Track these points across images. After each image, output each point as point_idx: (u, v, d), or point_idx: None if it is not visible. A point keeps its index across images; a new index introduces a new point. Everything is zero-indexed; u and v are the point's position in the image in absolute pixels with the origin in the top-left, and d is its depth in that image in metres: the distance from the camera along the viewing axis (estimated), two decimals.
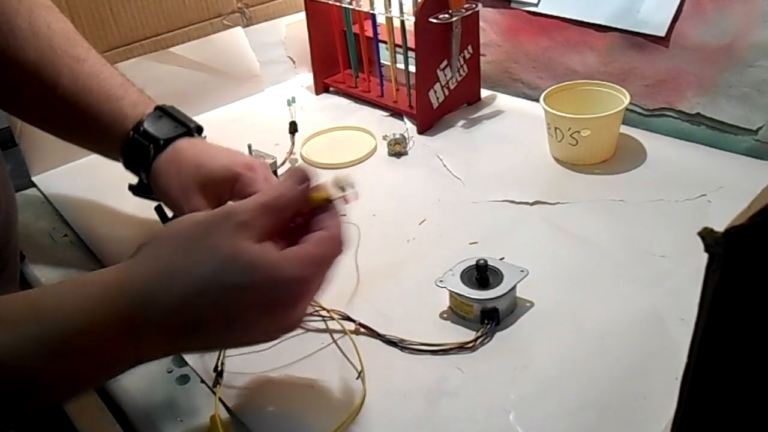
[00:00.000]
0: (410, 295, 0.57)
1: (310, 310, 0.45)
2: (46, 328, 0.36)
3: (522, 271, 0.54)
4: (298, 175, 0.44)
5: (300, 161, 0.79)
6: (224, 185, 0.55)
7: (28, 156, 0.80)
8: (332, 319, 0.55)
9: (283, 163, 0.77)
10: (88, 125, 0.60)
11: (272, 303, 0.40)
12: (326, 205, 0.44)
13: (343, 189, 0.45)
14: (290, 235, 0.43)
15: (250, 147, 0.72)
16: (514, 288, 0.53)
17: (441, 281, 0.54)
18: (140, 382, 0.51)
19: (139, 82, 0.85)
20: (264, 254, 0.39)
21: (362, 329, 0.53)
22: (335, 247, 0.43)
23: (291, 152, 0.79)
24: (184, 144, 0.59)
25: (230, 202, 0.41)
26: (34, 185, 0.79)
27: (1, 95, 0.62)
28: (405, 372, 0.49)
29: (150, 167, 0.58)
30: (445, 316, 0.54)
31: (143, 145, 0.58)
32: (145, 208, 0.68)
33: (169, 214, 0.65)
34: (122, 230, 0.69)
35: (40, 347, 0.36)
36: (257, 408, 0.48)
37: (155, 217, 0.66)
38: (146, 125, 0.59)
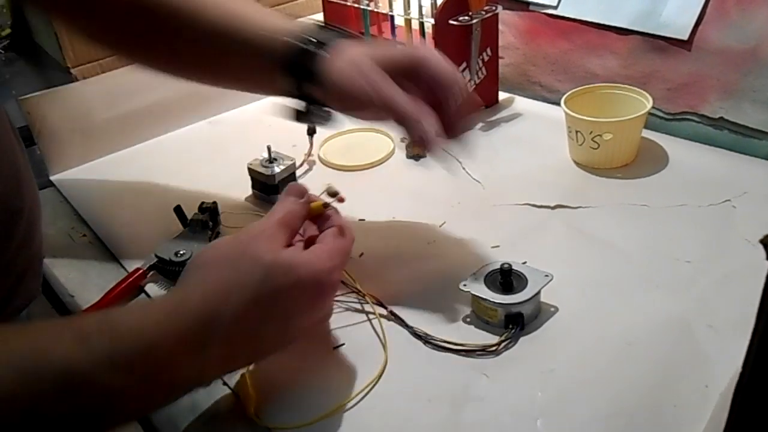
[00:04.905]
0: (432, 299, 0.56)
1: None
2: (119, 343, 0.38)
3: (546, 275, 0.53)
4: (294, 191, 0.50)
5: (318, 163, 0.79)
6: (404, 68, 0.54)
7: (47, 155, 0.80)
8: (366, 302, 0.56)
9: (302, 165, 0.77)
10: (244, 46, 0.57)
11: (315, 293, 0.45)
12: (323, 211, 0.51)
13: (335, 194, 0.51)
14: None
15: (269, 148, 0.72)
16: (538, 293, 0.52)
17: (465, 285, 0.53)
18: None
19: (158, 83, 0.85)
20: (298, 255, 0.45)
21: (392, 316, 0.54)
22: (348, 237, 0.49)
23: (309, 154, 0.78)
24: (355, 42, 0.56)
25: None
26: (52, 185, 0.79)
27: (145, 46, 0.61)
28: (430, 376, 0.49)
29: (318, 70, 0.54)
30: (468, 320, 0.53)
31: (310, 51, 0.54)
32: (163, 208, 0.68)
33: (189, 215, 0.65)
34: (141, 230, 0.68)
35: (114, 362, 0.38)
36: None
37: (173, 216, 0.66)
38: (310, 34, 0.55)
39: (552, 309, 0.54)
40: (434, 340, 0.51)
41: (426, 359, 0.50)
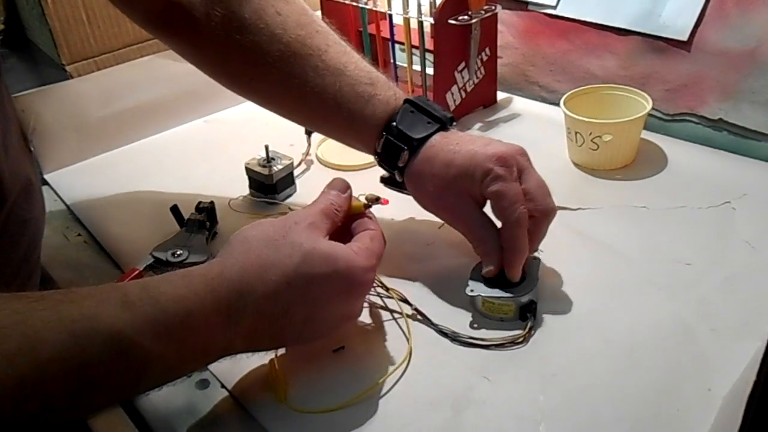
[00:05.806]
0: (432, 300, 0.56)
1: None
2: (161, 311, 0.40)
3: (534, 258, 0.55)
4: (339, 186, 0.52)
5: (315, 163, 0.78)
6: (472, 182, 0.53)
7: (41, 154, 0.79)
8: (391, 297, 0.56)
9: (299, 164, 0.76)
10: (339, 123, 0.60)
11: (348, 289, 0.46)
12: (363, 212, 0.52)
13: (376, 199, 0.53)
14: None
15: (267, 147, 0.71)
16: (539, 277, 0.53)
17: (471, 291, 0.53)
18: None
19: (154, 81, 0.85)
20: (338, 247, 0.46)
21: (418, 315, 0.54)
22: (383, 243, 0.51)
23: (307, 153, 0.78)
24: (437, 140, 0.56)
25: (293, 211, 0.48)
26: (46, 183, 0.78)
27: (246, 87, 0.63)
28: (431, 379, 0.49)
29: (404, 170, 0.57)
30: (476, 326, 0.53)
31: (397, 147, 0.57)
32: (159, 208, 0.67)
33: (186, 215, 0.65)
34: (136, 229, 0.68)
35: (156, 329, 0.39)
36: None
37: (170, 216, 0.65)
38: (399, 124, 0.57)
39: (552, 312, 0.53)
40: (461, 336, 0.51)
41: (428, 361, 0.50)
